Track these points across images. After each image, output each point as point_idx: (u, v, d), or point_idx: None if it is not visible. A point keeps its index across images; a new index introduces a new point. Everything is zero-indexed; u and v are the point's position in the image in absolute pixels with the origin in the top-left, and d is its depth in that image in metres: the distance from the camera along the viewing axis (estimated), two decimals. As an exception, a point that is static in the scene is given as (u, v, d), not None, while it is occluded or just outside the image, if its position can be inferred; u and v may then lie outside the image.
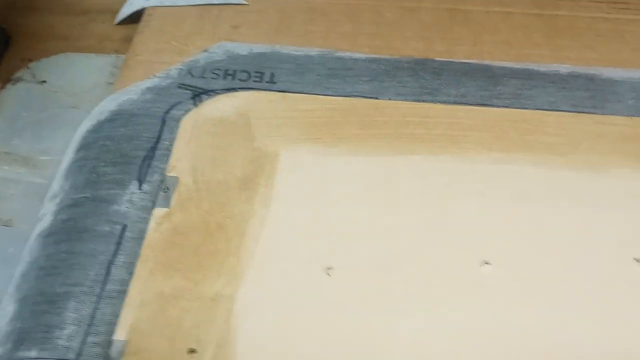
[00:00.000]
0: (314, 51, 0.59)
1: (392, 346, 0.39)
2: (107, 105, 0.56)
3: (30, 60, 0.66)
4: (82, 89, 0.63)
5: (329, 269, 0.42)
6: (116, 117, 0.54)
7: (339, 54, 0.59)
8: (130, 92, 0.57)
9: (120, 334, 0.39)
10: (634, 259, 0.41)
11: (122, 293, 0.42)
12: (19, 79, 0.64)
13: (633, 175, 0.46)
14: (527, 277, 0.41)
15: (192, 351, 0.39)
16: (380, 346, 0.39)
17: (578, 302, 0.40)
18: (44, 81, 0.64)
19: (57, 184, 0.51)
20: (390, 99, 0.54)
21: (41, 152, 0.58)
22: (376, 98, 0.55)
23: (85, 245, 0.45)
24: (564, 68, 0.57)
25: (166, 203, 0.47)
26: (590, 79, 0.56)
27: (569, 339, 0.39)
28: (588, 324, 0.39)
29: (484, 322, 0.39)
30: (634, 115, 0.52)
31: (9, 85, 0.64)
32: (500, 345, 0.39)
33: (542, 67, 0.57)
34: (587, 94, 0.54)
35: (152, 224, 0.45)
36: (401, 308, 0.40)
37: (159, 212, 0.46)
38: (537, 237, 0.43)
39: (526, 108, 0.53)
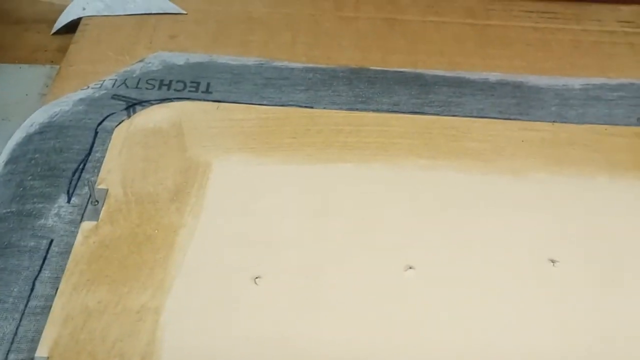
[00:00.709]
0: (251, 61, 0.60)
1: (318, 351, 0.39)
2: (37, 118, 0.55)
3: (-37, 72, 0.64)
4: (13, 101, 0.62)
5: (257, 277, 0.43)
6: (46, 130, 0.53)
7: (276, 63, 0.60)
8: (62, 103, 0.56)
9: (41, 351, 0.39)
10: (549, 259, 0.43)
11: (47, 309, 0.41)
12: (-52, 91, 0.62)
13: (550, 178, 0.48)
14: (447, 280, 0.42)
15: (115, 366, 0.38)
16: (307, 351, 0.39)
17: (496, 302, 0.41)
18: (-26, 93, 0.62)
19: (-17, 199, 0.50)
20: (325, 107, 0.55)
21: (-31, 165, 0.57)
22: (311, 107, 0.55)
23: (8, 261, 0.44)
24: (493, 76, 0.59)
25: (95, 216, 0.46)
26: (518, 86, 0.58)
27: (488, 337, 0.40)
28: (506, 323, 0.40)
29: (407, 324, 0.40)
30: (556, 121, 0.54)
31: (-63, 98, 0.62)
32: (422, 346, 0.40)
33: (473, 75, 0.59)
34: (514, 101, 0.56)
35: (79, 237, 0.45)
36: (327, 314, 0.41)
37: (87, 225, 0.45)
38: (458, 240, 0.44)
39: (456, 115, 0.55)
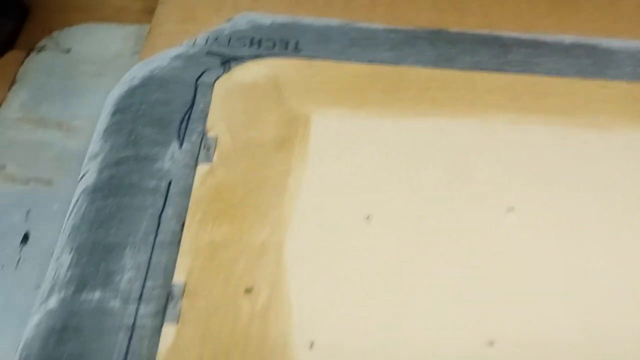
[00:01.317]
0: (334, 22, 0.62)
1: (426, 286, 0.43)
2: (137, 72, 0.58)
3: (52, 30, 0.67)
4: (106, 58, 0.65)
5: (368, 217, 0.46)
6: (148, 83, 0.56)
7: (359, 24, 0.62)
8: (159, 59, 0.58)
9: (178, 278, 0.42)
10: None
11: (174, 243, 0.45)
12: (42, 48, 0.65)
13: (634, 132, 0.51)
14: (548, 224, 0.46)
15: (248, 291, 0.42)
16: (416, 288, 0.43)
17: (594, 243, 0.44)
18: (69, 49, 0.65)
19: (96, 145, 0.53)
20: (410, 66, 0.58)
21: (72, 117, 0.60)
22: (397, 65, 0.58)
23: (133, 200, 0.47)
24: (567, 38, 0.61)
25: (208, 161, 0.49)
26: (592, 48, 0.60)
27: (590, 276, 0.43)
28: (604, 261, 0.44)
29: (512, 264, 0.44)
30: (632, 80, 0.56)
31: (33, 54, 0.65)
32: (527, 285, 0.43)
33: (548, 37, 0.61)
34: (590, 62, 0.59)
35: (196, 179, 0.48)
36: (435, 251, 0.44)
37: (202, 168, 0.49)
38: (553, 186, 0.47)
39: (536, 74, 0.57)
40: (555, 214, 0.46)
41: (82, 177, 0.52)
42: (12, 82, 0.62)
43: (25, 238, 0.50)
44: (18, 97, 0.60)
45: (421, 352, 0.40)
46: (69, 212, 0.50)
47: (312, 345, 0.40)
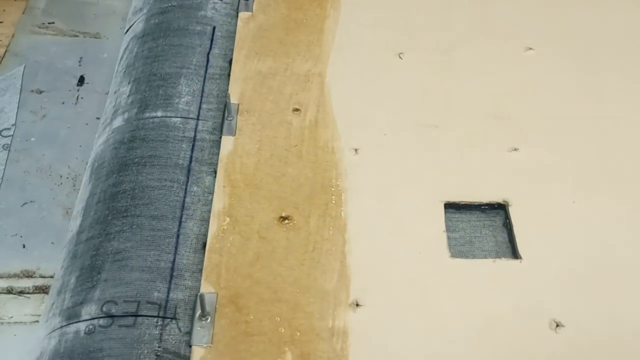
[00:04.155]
0: None
1: (449, 106, 0.47)
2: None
3: None
4: None
5: (400, 53, 0.50)
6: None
7: None
8: None
9: (233, 99, 0.46)
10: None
11: (223, 76, 0.49)
12: None
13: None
14: (563, 61, 0.50)
15: (296, 110, 0.46)
16: (447, 105, 0.47)
17: (607, 76, 0.50)
18: None
19: (139, 1, 0.56)
20: None
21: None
22: None
23: (182, 40, 0.51)
24: None
25: (248, 9, 0.53)
26: None
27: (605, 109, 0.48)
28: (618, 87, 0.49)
29: (527, 91, 0.48)
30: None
31: None
32: (533, 111, 0.48)
33: None
34: None
35: (239, 23, 0.51)
36: (460, 75, 0.49)
37: (243, 14, 0.52)
38: (564, 26, 0.52)
39: None
40: (570, 58, 0.50)
41: (129, 29, 0.55)
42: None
43: (81, 80, 0.53)
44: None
45: (448, 156, 0.44)
46: (119, 56, 0.53)
47: (357, 151, 0.44)
